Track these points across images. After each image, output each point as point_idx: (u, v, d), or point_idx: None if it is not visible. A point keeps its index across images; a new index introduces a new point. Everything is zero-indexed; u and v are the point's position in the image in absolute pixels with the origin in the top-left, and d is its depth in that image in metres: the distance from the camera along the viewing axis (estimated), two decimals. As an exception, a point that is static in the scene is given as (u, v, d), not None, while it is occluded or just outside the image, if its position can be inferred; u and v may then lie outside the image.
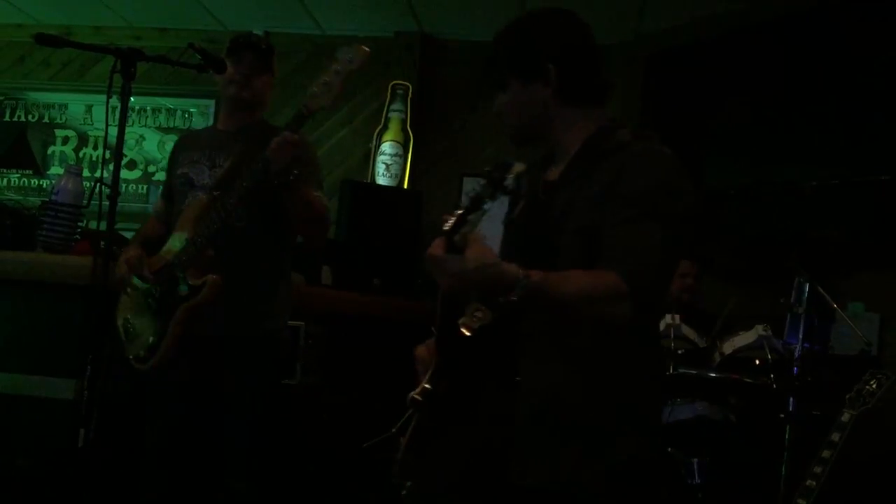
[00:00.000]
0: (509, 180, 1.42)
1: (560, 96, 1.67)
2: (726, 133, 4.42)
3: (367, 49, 2.24)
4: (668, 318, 3.10)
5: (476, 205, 1.45)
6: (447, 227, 1.47)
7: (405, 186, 4.66)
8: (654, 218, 1.53)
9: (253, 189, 2.32)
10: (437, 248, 1.48)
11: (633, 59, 4.70)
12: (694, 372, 3.02)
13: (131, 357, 2.49)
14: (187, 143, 2.74)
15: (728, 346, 3.11)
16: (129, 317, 2.53)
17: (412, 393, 1.69)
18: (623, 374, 1.60)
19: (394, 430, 1.73)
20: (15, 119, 5.25)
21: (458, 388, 1.65)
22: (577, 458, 1.56)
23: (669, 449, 3.10)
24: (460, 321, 1.45)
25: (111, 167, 2.11)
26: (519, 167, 1.43)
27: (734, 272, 4.10)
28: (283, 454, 2.80)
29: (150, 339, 2.45)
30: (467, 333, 1.45)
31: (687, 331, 3.15)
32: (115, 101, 2.08)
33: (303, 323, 3.33)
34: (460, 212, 1.48)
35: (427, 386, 1.67)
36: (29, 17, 5.09)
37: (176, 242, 2.49)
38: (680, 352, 3.08)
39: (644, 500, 1.61)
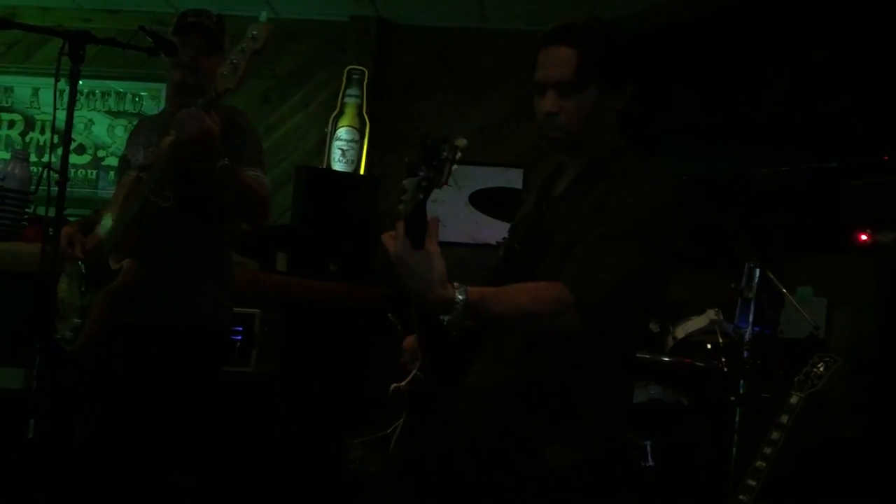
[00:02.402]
0: (445, 150, 1.39)
1: (620, 116, 1.68)
2: (677, 120, 4.48)
3: (270, 25, 2.13)
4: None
5: (411, 171, 1.41)
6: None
7: (361, 172, 4.63)
8: (629, 237, 1.52)
9: (168, 168, 2.23)
10: (388, 237, 1.46)
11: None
12: (647, 356, 3.07)
13: (58, 336, 2.40)
14: (138, 128, 2.68)
15: (681, 331, 3.16)
16: (62, 296, 2.45)
17: (397, 384, 1.70)
18: (583, 393, 1.60)
19: (389, 430, 1.77)
20: (-42, 103, 5.11)
21: (441, 386, 1.67)
22: (517, 458, 1.57)
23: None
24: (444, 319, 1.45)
25: (59, 152, 2.06)
26: (461, 141, 1.41)
27: (686, 257, 4.16)
28: (231, 444, 2.77)
29: (76, 320, 2.37)
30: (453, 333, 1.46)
31: (641, 315, 3.18)
32: (63, 84, 2.04)
33: (258, 310, 3.31)
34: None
35: (409, 381, 1.69)
36: (-28, -3, 4.94)
37: (106, 223, 2.40)
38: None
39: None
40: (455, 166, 1.40)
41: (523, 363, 1.62)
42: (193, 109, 2.17)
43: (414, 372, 1.74)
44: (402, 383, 1.75)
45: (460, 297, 1.42)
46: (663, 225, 1.57)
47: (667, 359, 3.10)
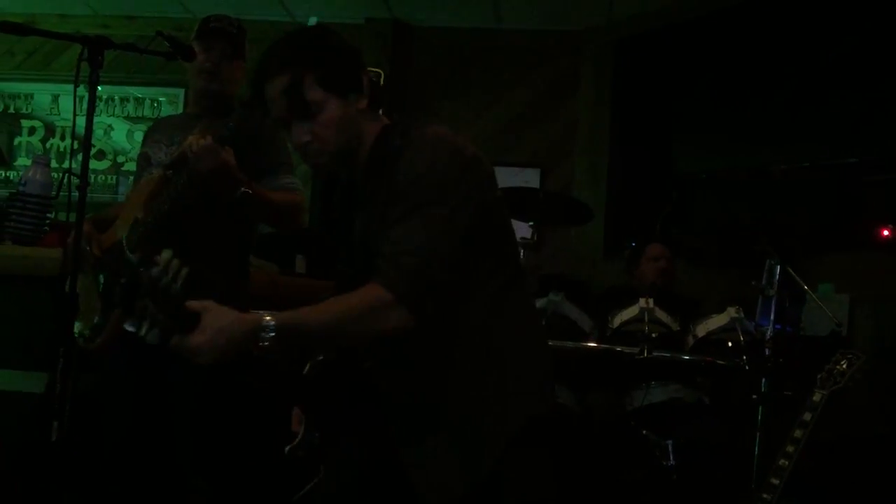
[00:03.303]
0: (158, 274, 1.37)
1: (370, 105, 1.62)
2: (696, 118, 4.46)
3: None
4: (641, 302, 3.12)
5: (132, 314, 1.39)
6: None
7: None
8: (413, 211, 1.48)
9: (193, 182, 2.23)
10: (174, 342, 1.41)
11: (603, 44, 4.71)
12: (668, 355, 3.05)
13: (76, 334, 2.39)
14: (155, 127, 2.69)
15: (701, 329, 3.14)
16: (80, 294, 2.44)
17: (289, 446, 1.70)
18: (470, 373, 1.56)
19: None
20: (-20, 110, 5.17)
21: (332, 429, 1.67)
22: (442, 465, 1.54)
23: (644, 431, 3.13)
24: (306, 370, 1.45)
25: (79, 158, 2.07)
26: (166, 254, 1.38)
27: (705, 256, 4.14)
28: (248, 447, 2.77)
29: (96, 318, 2.37)
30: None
31: (661, 314, 3.17)
32: (82, 90, 2.05)
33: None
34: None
35: (298, 440, 1.70)
36: (-9, 6, 5.00)
37: (126, 220, 2.39)
38: (654, 335, 3.10)
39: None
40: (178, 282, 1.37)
41: (419, 370, 1.58)
42: (210, 144, 2.18)
43: (302, 431, 1.73)
44: (295, 443, 1.74)
45: (269, 319, 1.38)
46: (441, 182, 1.51)
47: (687, 357, 3.08)
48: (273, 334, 1.38)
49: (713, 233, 4.09)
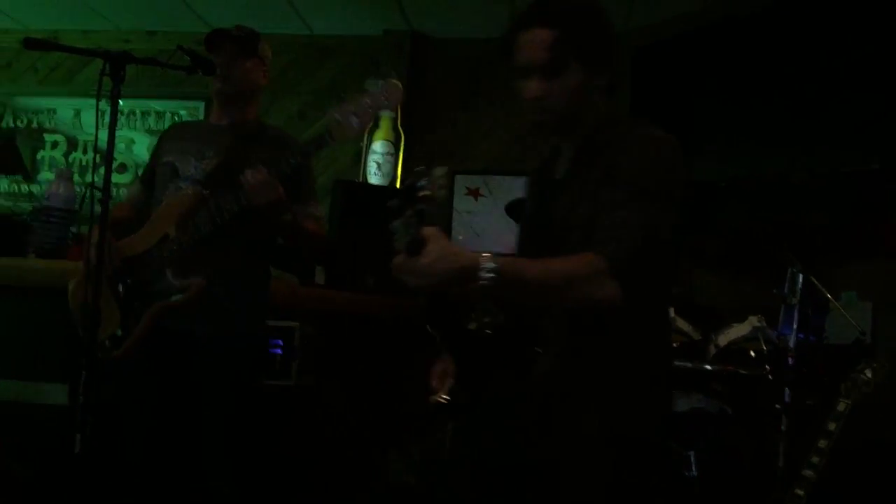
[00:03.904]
0: (424, 185, 1.41)
1: (606, 91, 1.68)
2: (715, 124, 4.43)
3: (399, 85, 2.24)
4: (662, 311, 3.11)
5: (396, 213, 1.44)
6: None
7: (397, 185, 4.65)
8: (640, 197, 1.53)
9: (245, 211, 2.31)
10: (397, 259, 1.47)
11: (621, 51, 4.70)
12: (689, 364, 3.03)
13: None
14: (175, 133, 2.71)
15: (723, 338, 3.12)
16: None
17: (435, 396, 1.72)
18: (626, 365, 1.60)
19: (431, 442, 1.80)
20: (3, 125, 5.22)
21: (479, 391, 1.68)
22: (580, 435, 1.58)
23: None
24: (473, 326, 1.46)
25: (102, 171, 2.10)
26: (439, 170, 1.43)
27: (727, 264, 4.11)
28: (272, 456, 2.79)
29: (117, 330, 2.40)
30: (488, 332, 1.47)
31: (681, 323, 3.15)
32: (104, 104, 2.07)
33: (297, 323, 3.33)
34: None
35: (447, 395, 1.70)
36: (16, 23, 5.06)
37: (153, 234, 2.44)
38: (675, 345, 3.08)
39: (636, 487, 1.61)
40: (442, 192, 1.42)
41: (564, 350, 1.61)
42: (270, 179, 2.25)
43: (450, 383, 1.75)
44: (440, 395, 1.76)
45: (489, 263, 1.42)
46: (664, 179, 1.58)
47: (710, 367, 3.06)
48: (492, 275, 1.41)
49: (734, 241, 4.06)
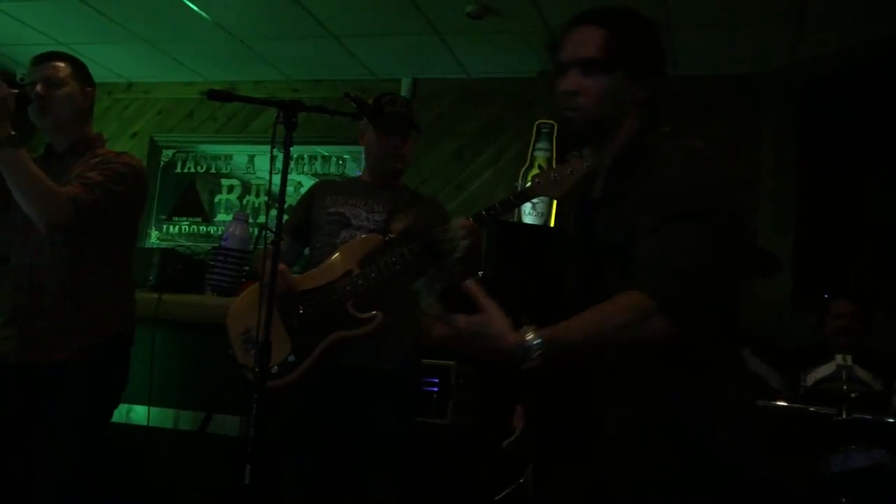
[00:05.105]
0: (442, 244, 1.39)
1: (644, 103, 1.61)
2: (892, 159, 4.15)
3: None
4: (838, 359, 2.92)
5: (418, 271, 1.43)
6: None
7: (552, 224, 4.63)
8: (680, 219, 1.43)
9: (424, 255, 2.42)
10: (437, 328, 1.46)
11: (788, 86, 4.50)
12: (870, 417, 2.81)
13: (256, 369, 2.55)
14: (331, 189, 2.89)
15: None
16: (252, 326, 2.59)
17: (508, 440, 1.71)
18: (695, 412, 1.48)
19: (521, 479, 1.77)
20: (185, 171, 5.64)
21: (548, 434, 1.64)
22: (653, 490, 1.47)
23: (843, 500, 2.89)
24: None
25: (273, 213, 2.21)
26: (457, 222, 1.40)
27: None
28: (429, 492, 2.81)
29: (289, 356, 2.55)
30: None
31: (861, 373, 2.95)
32: (276, 150, 2.19)
33: (453, 362, 3.35)
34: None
35: (515, 437, 1.72)
36: (196, 75, 5.46)
37: (333, 270, 2.59)
38: (853, 395, 2.88)
39: None
40: (465, 242, 1.39)
41: (644, 398, 1.50)
42: (475, 226, 2.32)
43: (520, 427, 1.75)
44: (512, 438, 1.76)
45: (535, 340, 1.38)
46: (705, 195, 1.46)
47: (892, 420, 2.83)
48: (540, 352, 1.39)
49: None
